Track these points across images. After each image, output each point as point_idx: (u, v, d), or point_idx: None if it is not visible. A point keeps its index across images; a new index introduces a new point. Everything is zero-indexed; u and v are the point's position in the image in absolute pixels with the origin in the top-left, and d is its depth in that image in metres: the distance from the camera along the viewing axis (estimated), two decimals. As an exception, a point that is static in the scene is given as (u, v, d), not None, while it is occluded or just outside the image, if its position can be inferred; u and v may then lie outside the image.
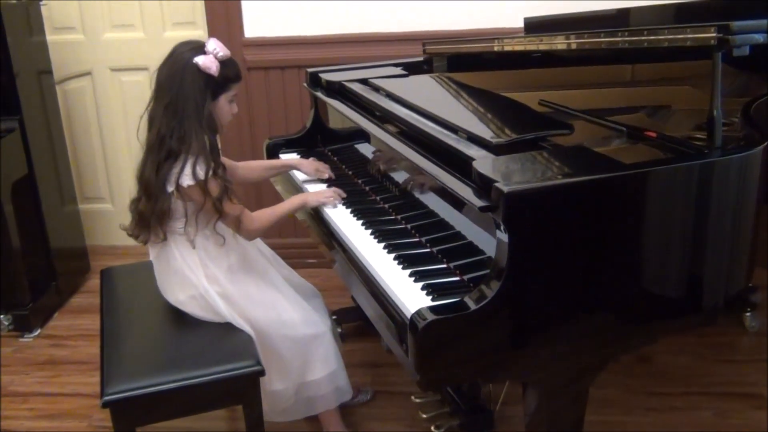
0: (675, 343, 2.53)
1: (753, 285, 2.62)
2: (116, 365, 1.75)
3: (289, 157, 2.44)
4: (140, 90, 3.37)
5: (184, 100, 1.76)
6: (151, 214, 1.80)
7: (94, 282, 3.21)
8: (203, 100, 1.78)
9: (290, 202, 2.03)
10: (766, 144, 1.47)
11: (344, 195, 2.02)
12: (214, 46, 1.79)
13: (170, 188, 1.78)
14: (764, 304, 2.72)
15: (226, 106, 1.87)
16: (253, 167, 2.27)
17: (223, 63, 1.80)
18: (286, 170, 2.34)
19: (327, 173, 2.22)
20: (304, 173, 2.24)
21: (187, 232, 1.85)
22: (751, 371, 2.41)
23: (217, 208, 1.80)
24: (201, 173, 1.76)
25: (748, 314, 2.63)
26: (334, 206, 1.99)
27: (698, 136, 1.53)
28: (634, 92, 2.11)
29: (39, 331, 2.90)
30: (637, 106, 1.93)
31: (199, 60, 1.76)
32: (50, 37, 3.13)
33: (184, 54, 1.79)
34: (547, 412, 1.52)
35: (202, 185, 1.77)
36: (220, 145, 1.87)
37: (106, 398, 1.65)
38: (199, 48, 1.79)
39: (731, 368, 2.43)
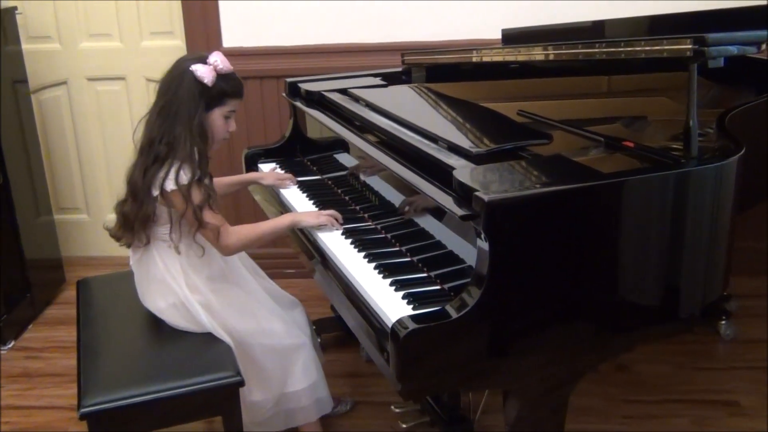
0: (652, 351, 2.55)
1: (728, 293, 2.67)
2: (93, 377, 1.73)
3: (267, 167, 2.44)
4: (116, 99, 3.35)
5: (176, 105, 1.77)
6: (135, 217, 1.80)
7: (69, 293, 3.17)
8: (195, 108, 1.78)
9: (276, 222, 1.93)
10: (740, 154, 1.49)
11: (341, 221, 1.88)
12: (216, 58, 1.80)
13: (155, 192, 1.77)
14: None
15: (219, 120, 1.85)
16: (217, 183, 2.24)
17: (222, 76, 1.81)
18: (248, 184, 2.37)
19: (289, 182, 2.26)
20: (267, 184, 2.27)
21: (172, 238, 1.83)
22: (727, 379, 2.44)
23: (197, 217, 1.78)
24: (184, 179, 1.75)
25: (723, 322, 2.67)
26: (331, 230, 1.86)
27: (674, 146, 1.55)
28: (611, 103, 2.14)
29: (13, 343, 2.85)
30: (614, 117, 1.95)
31: (196, 68, 1.77)
32: (26, 46, 3.11)
33: (185, 62, 1.81)
34: (528, 421, 1.53)
35: (184, 191, 1.76)
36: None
37: (83, 410, 1.63)
38: (201, 58, 1.81)
39: (708, 376, 2.46)
